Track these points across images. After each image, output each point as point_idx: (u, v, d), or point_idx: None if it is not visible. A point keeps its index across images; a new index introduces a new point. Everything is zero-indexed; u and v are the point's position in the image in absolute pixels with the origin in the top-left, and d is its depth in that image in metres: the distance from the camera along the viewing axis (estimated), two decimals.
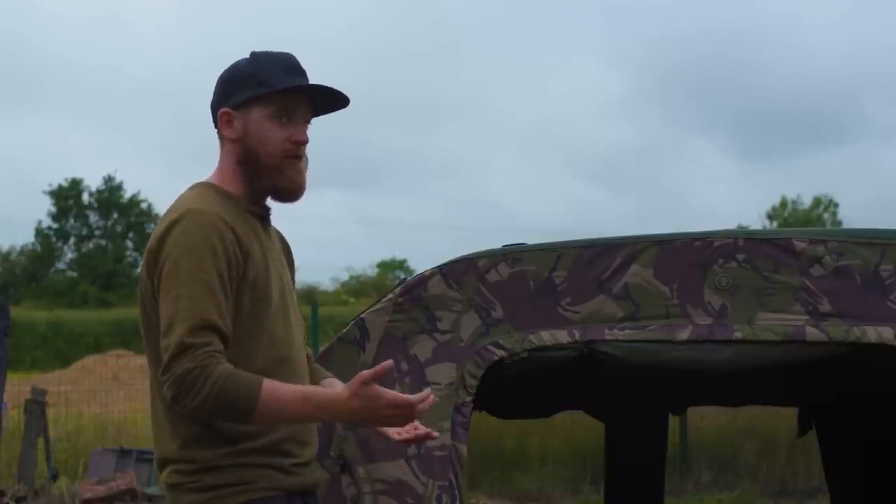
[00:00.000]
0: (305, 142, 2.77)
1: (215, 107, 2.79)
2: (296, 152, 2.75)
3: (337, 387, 2.80)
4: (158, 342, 2.62)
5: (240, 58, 2.82)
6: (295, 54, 2.82)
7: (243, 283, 2.63)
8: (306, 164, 2.80)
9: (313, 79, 2.80)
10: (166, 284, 2.58)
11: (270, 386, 2.53)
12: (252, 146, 2.73)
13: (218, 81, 2.81)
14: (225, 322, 2.58)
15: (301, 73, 2.78)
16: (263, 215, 2.80)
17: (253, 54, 2.79)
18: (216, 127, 2.81)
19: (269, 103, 2.73)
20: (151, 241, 2.65)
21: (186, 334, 2.52)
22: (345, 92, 2.81)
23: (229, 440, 2.61)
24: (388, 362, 2.54)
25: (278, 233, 2.93)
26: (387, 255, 55.28)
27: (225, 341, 2.57)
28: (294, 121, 2.76)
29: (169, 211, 2.69)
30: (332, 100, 2.83)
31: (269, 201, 2.83)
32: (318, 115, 2.83)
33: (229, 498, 2.61)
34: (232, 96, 2.75)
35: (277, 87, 2.72)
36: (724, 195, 77.19)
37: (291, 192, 2.78)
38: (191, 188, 2.78)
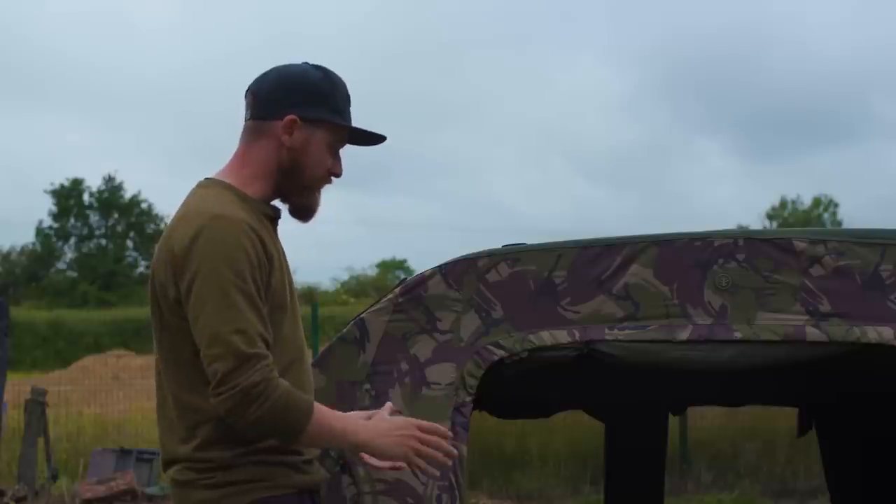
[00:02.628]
0: (341, 175, 2.83)
1: (276, 105, 2.72)
2: (329, 182, 2.81)
3: None
4: (178, 345, 2.60)
5: (301, 63, 2.79)
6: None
7: (268, 291, 2.63)
8: None
9: None
10: (204, 291, 2.53)
11: (320, 413, 2.59)
12: (303, 161, 2.73)
13: (283, 79, 2.75)
14: (269, 333, 2.58)
15: (350, 102, 2.83)
16: (275, 217, 2.80)
17: (324, 71, 2.78)
18: (258, 118, 2.74)
19: (334, 132, 2.77)
20: (177, 245, 2.59)
21: (246, 345, 2.51)
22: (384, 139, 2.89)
23: (246, 440, 2.60)
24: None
25: None
26: (387, 255, 55.29)
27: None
28: (338, 153, 2.81)
29: (191, 213, 2.64)
30: (364, 141, 2.88)
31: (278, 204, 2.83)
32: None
33: (243, 495, 2.60)
34: (305, 107, 2.72)
35: (351, 125, 2.79)
36: (727, 195, 77.28)
37: (311, 213, 2.82)
38: (206, 187, 2.73)
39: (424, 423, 2.71)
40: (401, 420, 2.72)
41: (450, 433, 2.76)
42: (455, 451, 2.74)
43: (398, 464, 2.71)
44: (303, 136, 2.73)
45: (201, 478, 2.62)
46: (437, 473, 2.73)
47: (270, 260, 2.64)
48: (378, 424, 2.69)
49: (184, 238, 2.58)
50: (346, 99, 2.81)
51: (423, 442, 2.65)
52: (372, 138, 2.87)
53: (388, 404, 2.86)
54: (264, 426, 2.53)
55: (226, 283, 2.53)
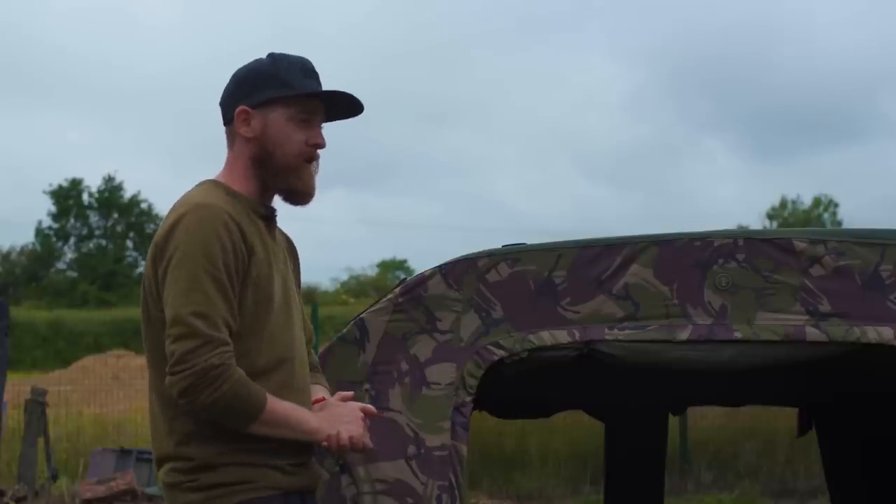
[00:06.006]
0: (323, 145, 2.81)
1: (230, 103, 2.79)
2: (312, 155, 2.79)
3: (319, 395, 2.90)
4: (159, 337, 2.62)
5: (256, 57, 2.82)
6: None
7: (247, 281, 2.64)
8: (317, 168, 2.82)
9: (321, 76, 2.84)
10: (175, 275, 2.57)
11: (273, 403, 2.61)
12: (269, 146, 2.74)
13: (234, 78, 2.81)
14: (234, 320, 2.60)
15: (317, 77, 2.82)
16: (269, 216, 2.80)
17: (272, 55, 2.81)
18: (226, 124, 2.81)
19: (290, 105, 2.76)
20: (158, 235, 2.65)
21: (207, 327, 2.53)
22: (360, 100, 2.85)
23: (226, 438, 2.61)
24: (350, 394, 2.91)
25: (284, 235, 2.93)
26: (387, 255, 55.30)
27: (232, 340, 2.59)
28: (311, 124, 2.79)
29: (176, 206, 2.69)
30: (346, 107, 2.86)
31: (276, 203, 2.84)
32: (329, 120, 2.86)
33: (227, 497, 2.61)
34: (251, 95, 2.75)
35: (301, 91, 2.76)
36: (729, 194, 77.22)
37: (304, 194, 2.81)
38: (198, 185, 2.78)
39: (368, 407, 2.83)
40: (345, 406, 2.80)
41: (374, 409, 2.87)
42: (370, 445, 2.80)
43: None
44: (258, 122, 2.75)
45: (186, 480, 2.63)
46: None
47: (251, 251, 2.65)
48: (328, 414, 2.76)
49: (165, 227, 2.64)
50: (302, 72, 2.79)
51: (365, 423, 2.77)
52: (348, 105, 2.84)
53: (340, 393, 2.90)
54: (217, 410, 2.55)
55: (196, 267, 2.56)
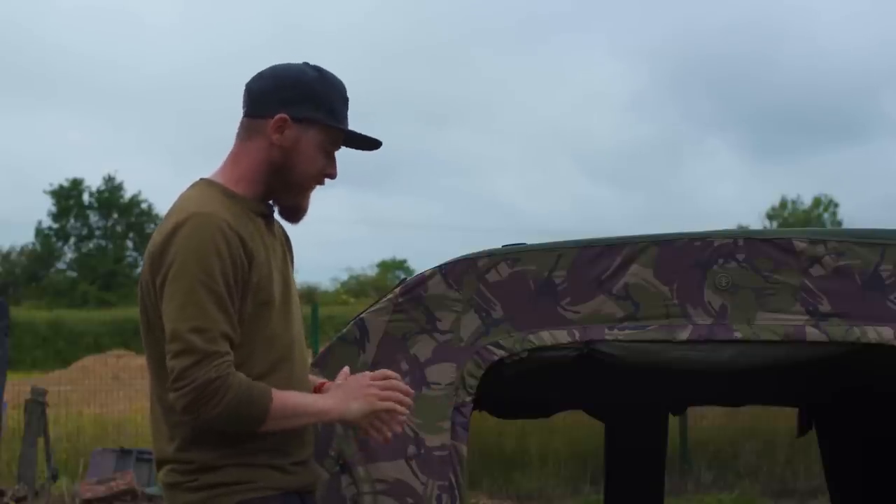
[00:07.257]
0: (335, 177, 2.83)
1: (269, 102, 2.73)
2: (322, 183, 2.81)
3: (319, 381, 2.89)
4: (160, 344, 2.61)
5: (299, 63, 2.79)
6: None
7: (247, 288, 2.63)
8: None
9: None
10: (173, 288, 2.55)
11: (279, 397, 2.60)
12: (293, 161, 2.74)
13: (277, 78, 2.76)
14: (234, 331, 2.59)
15: (348, 104, 2.82)
16: (267, 213, 2.80)
17: (320, 71, 2.78)
18: (252, 116, 2.76)
19: (326, 133, 2.77)
20: (155, 243, 2.63)
21: (204, 342, 2.52)
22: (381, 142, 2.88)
23: (227, 442, 2.61)
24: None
25: (279, 225, 2.92)
26: (387, 255, 55.30)
27: (233, 350, 2.59)
28: (332, 155, 2.81)
29: (172, 211, 2.67)
30: (363, 144, 2.88)
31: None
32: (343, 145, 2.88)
33: (227, 497, 2.61)
34: (297, 107, 2.72)
35: (345, 126, 2.78)
36: (730, 194, 77.18)
37: (300, 213, 2.82)
38: (193, 186, 2.75)
39: (375, 372, 2.78)
40: (353, 379, 2.77)
41: (396, 375, 2.80)
42: (410, 390, 2.78)
43: (385, 433, 2.73)
44: (293, 135, 2.73)
45: (186, 480, 2.63)
46: (406, 412, 2.74)
47: (251, 257, 2.64)
48: (336, 392, 2.74)
49: (161, 235, 2.62)
50: (343, 101, 2.80)
51: (381, 388, 2.72)
52: (367, 142, 2.86)
53: (343, 371, 2.86)
54: (223, 420, 2.55)
55: (193, 281, 2.54)
